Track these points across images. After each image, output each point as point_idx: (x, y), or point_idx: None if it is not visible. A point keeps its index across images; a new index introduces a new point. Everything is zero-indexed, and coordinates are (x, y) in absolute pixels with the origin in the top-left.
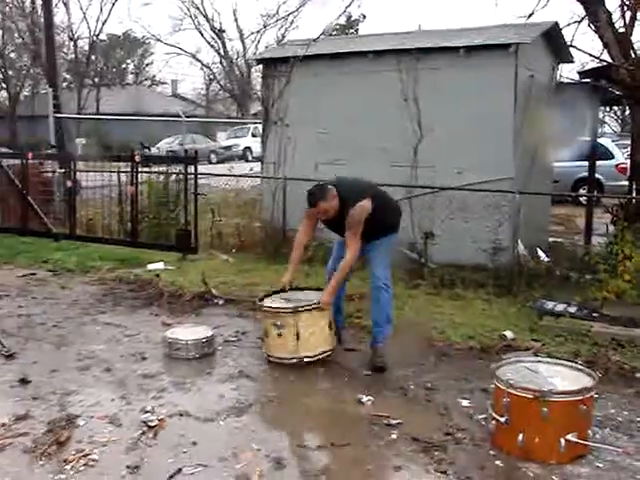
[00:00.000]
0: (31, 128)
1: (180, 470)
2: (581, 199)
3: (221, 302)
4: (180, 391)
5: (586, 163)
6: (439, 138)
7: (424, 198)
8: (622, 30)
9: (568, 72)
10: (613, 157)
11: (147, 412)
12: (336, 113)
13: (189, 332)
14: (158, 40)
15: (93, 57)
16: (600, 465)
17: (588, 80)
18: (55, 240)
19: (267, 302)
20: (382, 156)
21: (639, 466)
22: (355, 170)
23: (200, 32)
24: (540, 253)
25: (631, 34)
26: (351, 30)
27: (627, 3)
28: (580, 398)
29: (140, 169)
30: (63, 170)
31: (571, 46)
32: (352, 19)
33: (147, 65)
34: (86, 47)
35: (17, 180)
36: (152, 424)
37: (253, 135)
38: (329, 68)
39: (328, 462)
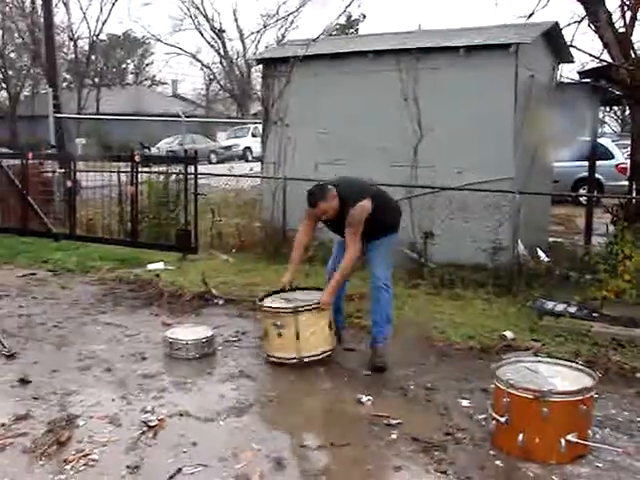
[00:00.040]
0: (31, 128)
1: (180, 470)
2: (581, 199)
3: (221, 302)
4: (180, 391)
5: (586, 163)
6: (439, 138)
7: (424, 198)
8: (622, 30)
9: (568, 72)
10: (613, 157)
11: (147, 412)
12: (336, 113)
13: (189, 332)
14: (158, 40)
15: (93, 57)
16: (600, 465)
17: (588, 80)
18: (55, 240)
19: (267, 302)
20: (382, 156)
21: (639, 466)
22: (355, 170)
23: (200, 32)
24: (540, 253)
25: (631, 34)
26: (351, 30)
27: (627, 3)
28: (580, 398)
29: (140, 169)
30: (63, 170)
31: (571, 46)
32: (352, 19)
33: (147, 65)
34: (86, 47)
35: (17, 180)
36: (152, 424)
37: (253, 135)
38: (329, 68)
39: (328, 462)
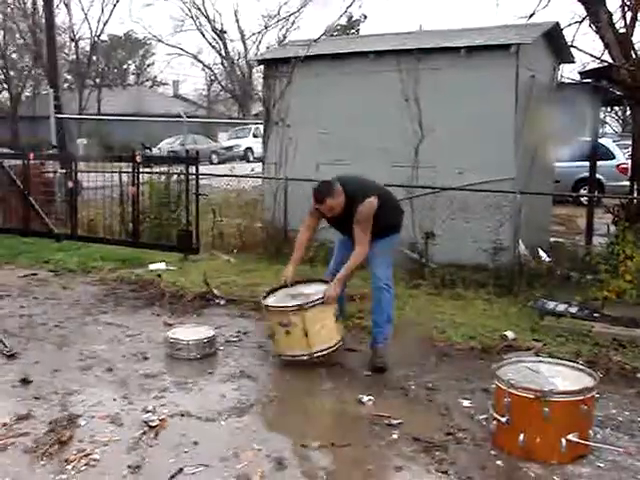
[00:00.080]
0: (32, 129)
1: (181, 470)
2: (582, 199)
3: (222, 302)
4: (181, 391)
5: (587, 163)
6: (440, 138)
7: (425, 198)
8: (623, 30)
9: (569, 72)
10: (614, 157)
11: (148, 412)
12: (337, 113)
13: (190, 332)
14: (159, 41)
15: (94, 58)
16: (601, 465)
17: (589, 80)
18: (57, 240)
19: (270, 300)
20: (383, 156)
21: None
22: (356, 170)
23: (201, 33)
24: (541, 253)
25: (632, 34)
26: (352, 30)
27: (628, 3)
28: (581, 398)
29: (141, 169)
30: (64, 170)
31: (572, 46)
32: (353, 19)
33: (148, 66)
34: (87, 48)
35: (19, 180)
36: (153, 424)
37: (254, 135)
38: (330, 68)
39: (329, 462)
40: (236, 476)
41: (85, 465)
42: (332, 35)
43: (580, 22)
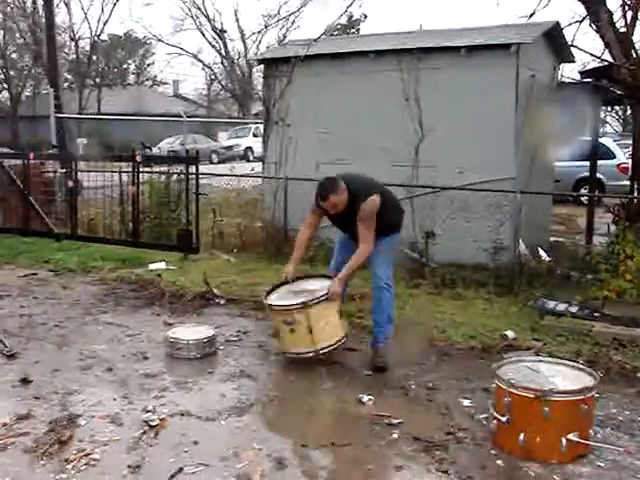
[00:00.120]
0: (32, 128)
1: (181, 469)
2: (582, 199)
3: (222, 302)
4: (181, 391)
5: (587, 163)
6: (440, 138)
7: (425, 198)
8: (623, 30)
9: (569, 72)
10: (614, 157)
11: (148, 411)
12: (337, 113)
13: (190, 332)
14: (159, 40)
15: (94, 57)
16: (601, 464)
17: (589, 80)
18: (57, 240)
19: (273, 298)
20: (383, 156)
21: None
22: (356, 170)
23: (201, 32)
24: (541, 252)
25: (632, 34)
26: (352, 30)
27: (628, 3)
28: (581, 397)
29: (141, 169)
30: (64, 170)
31: (572, 46)
32: (353, 19)
33: (148, 65)
34: (87, 47)
35: (19, 180)
36: (153, 423)
37: (254, 135)
38: (330, 68)
39: (329, 462)
40: (236, 475)
41: (85, 465)
42: (332, 34)
43: (580, 21)
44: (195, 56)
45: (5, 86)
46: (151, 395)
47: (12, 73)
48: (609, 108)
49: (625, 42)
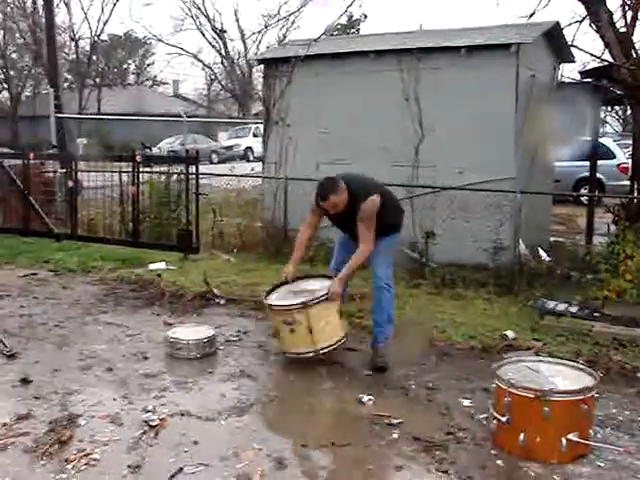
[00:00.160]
0: (32, 128)
1: (181, 469)
2: (582, 199)
3: (222, 302)
4: (181, 391)
5: (587, 163)
6: (440, 138)
7: (425, 198)
8: (623, 30)
9: (569, 72)
10: (614, 157)
11: (148, 411)
12: (337, 113)
13: (190, 332)
14: (159, 40)
15: (94, 57)
16: (601, 464)
17: (589, 80)
18: (57, 240)
19: (273, 298)
20: (383, 156)
21: None
22: (356, 170)
23: (201, 32)
24: (541, 252)
25: (632, 34)
26: (352, 30)
27: (628, 3)
28: (581, 397)
29: (141, 169)
30: (64, 170)
31: (572, 46)
32: (353, 19)
33: (148, 65)
34: (87, 47)
35: (19, 180)
36: (153, 423)
37: (254, 135)
38: (330, 68)
39: (329, 462)
40: (236, 475)
41: (85, 465)
42: (332, 35)
43: (580, 21)
44: (195, 56)
45: (5, 86)
46: (151, 395)
47: (12, 73)
48: (609, 108)
49: (625, 42)
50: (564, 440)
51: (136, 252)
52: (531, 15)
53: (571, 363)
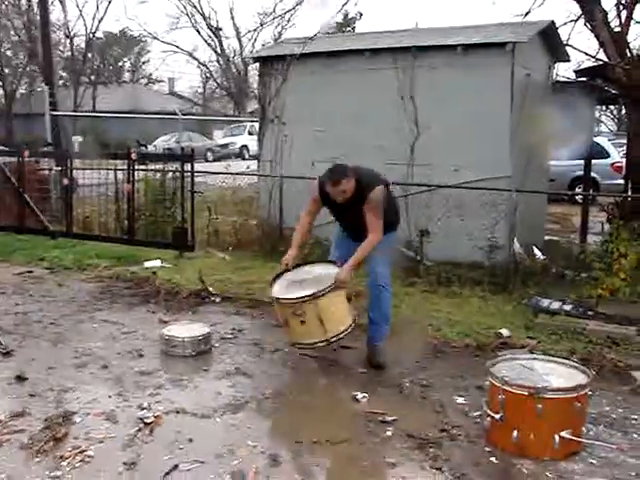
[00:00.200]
0: (27, 126)
1: (176, 466)
2: (577, 198)
3: (218, 300)
4: (176, 388)
5: (582, 162)
6: (436, 136)
7: (420, 196)
8: (618, 29)
9: (564, 71)
10: (609, 156)
11: (143, 409)
12: (333, 111)
13: (186, 329)
14: (155, 38)
15: (89, 55)
16: (594, 461)
17: (584, 79)
18: (52, 238)
19: (277, 289)
20: (379, 154)
21: (633, 462)
22: None
23: (197, 30)
24: (536, 251)
25: (627, 33)
26: (348, 28)
27: (623, 2)
28: (575, 395)
29: (137, 167)
30: (60, 168)
31: (567, 45)
32: (349, 17)
33: (144, 63)
34: (82, 45)
35: (13, 178)
36: (148, 421)
37: (250, 133)
38: (326, 66)
39: (324, 459)
40: (231, 472)
41: (80, 462)
42: (328, 33)
43: (575, 21)
44: (190, 54)
45: (0, 83)
46: (146, 392)
47: (7, 70)
48: (604, 107)
49: (620, 41)
50: (557, 437)
51: (131, 250)
52: (526, 14)
53: (565, 361)
